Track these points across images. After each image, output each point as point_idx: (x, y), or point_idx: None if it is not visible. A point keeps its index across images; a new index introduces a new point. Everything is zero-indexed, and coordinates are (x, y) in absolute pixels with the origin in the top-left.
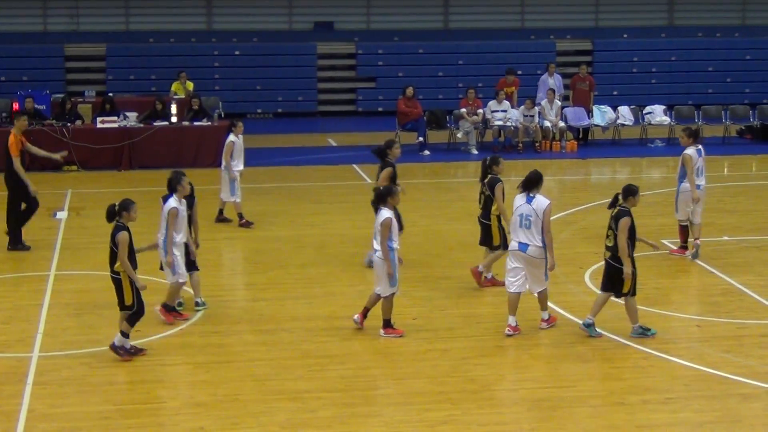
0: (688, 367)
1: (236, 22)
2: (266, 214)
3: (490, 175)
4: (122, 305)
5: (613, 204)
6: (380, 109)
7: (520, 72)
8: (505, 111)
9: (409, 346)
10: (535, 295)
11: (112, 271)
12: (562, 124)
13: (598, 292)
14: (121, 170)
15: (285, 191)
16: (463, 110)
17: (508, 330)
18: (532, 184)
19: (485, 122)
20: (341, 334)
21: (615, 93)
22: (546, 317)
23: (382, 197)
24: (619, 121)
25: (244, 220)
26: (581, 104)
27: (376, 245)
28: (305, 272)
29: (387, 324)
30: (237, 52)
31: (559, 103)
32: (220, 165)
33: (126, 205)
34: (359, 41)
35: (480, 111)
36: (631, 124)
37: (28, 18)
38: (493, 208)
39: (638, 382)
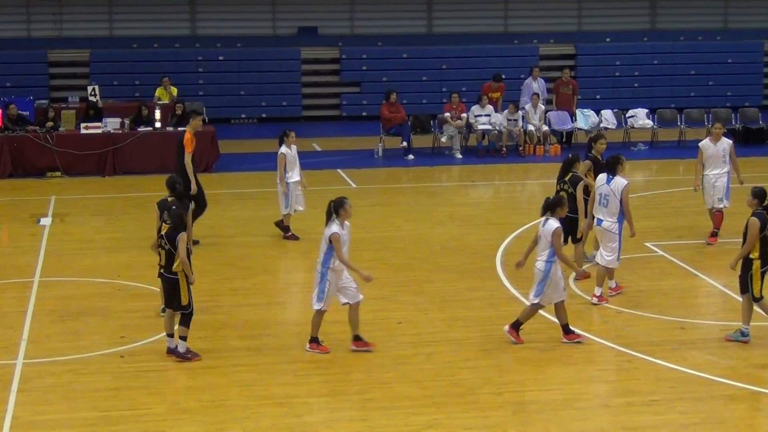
0: (673, 369)
1: (220, 27)
2: (251, 219)
3: (572, 173)
4: (178, 305)
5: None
6: (364, 113)
7: (503, 76)
8: (488, 115)
9: (394, 350)
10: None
11: (169, 272)
12: (545, 127)
13: (584, 296)
14: (105, 176)
15: (270, 196)
16: (447, 114)
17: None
18: (610, 167)
19: (469, 126)
20: (326, 338)
21: (598, 97)
22: (597, 293)
23: (553, 206)
24: (602, 125)
25: (290, 233)
26: (565, 108)
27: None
28: (290, 277)
29: (516, 325)
30: (221, 58)
31: (543, 107)
32: (210, 170)
33: (186, 208)
34: (343, 46)
35: (464, 115)
36: (614, 127)
37: (11, 24)
38: (579, 204)
39: (623, 385)
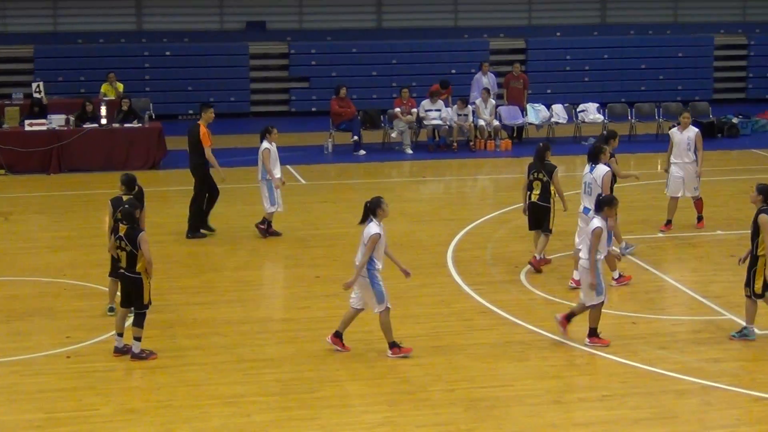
0: (624, 364)
1: (166, 22)
2: None
3: (546, 162)
4: (140, 305)
5: None
6: (314, 109)
7: (453, 71)
8: (439, 110)
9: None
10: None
11: (131, 272)
12: (496, 122)
13: (536, 292)
14: (50, 174)
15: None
16: (398, 110)
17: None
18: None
19: (419, 121)
20: (277, 337)
21: (549, 91)
22: (615, 275)
23: (601, 205)
24: (553, 120)
25: (272, 229)
26: (515, 103)
27: (583, 254)
28: (239, 275)
29: (593, 333)
30: (167, 53)
31: (493, 102)
32: (156, 167)
33: (137, 207)
34: (292, 41)
35: (414, 110)
36: (565, 122)
37: None
38: (552, 192)
39: (575, 380)
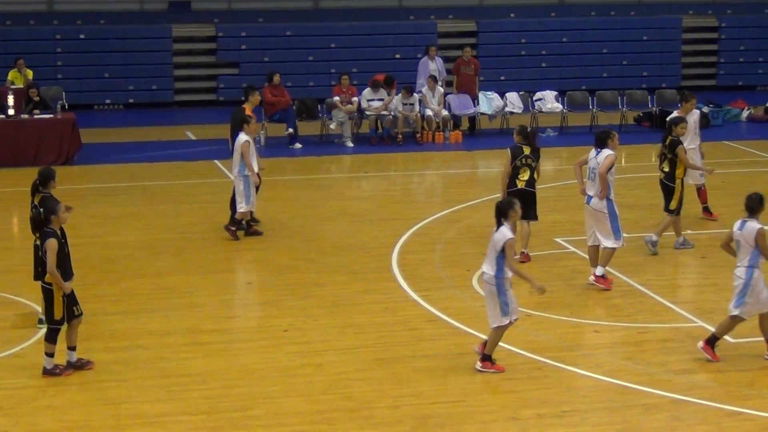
0: (586, 376)
1: (81, 2)
2: (117, 217)
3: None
4: (50, 318)
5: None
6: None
7: (398, 56)
8: (382, 99)
9: (280, 361)
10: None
11: (44, 281)
12: (445, 112)
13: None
14: None
15: (138, 191)
16: (337, 98)
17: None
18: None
19: (361, 112)
20: (204, 349)
21: (502, 78)
22: (599, 273)
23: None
24: (507, 109)
25: (253, 228)
26: (466, 91)
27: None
28: (162, 282)
29: (712, 341)
30: (82, 36)
31: (441, 90)
32: (69, 162)
33: (53, 208)
34: (219, 23)
35: (355, 99)
36: (520, 111)
37: None
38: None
39: (532, 395)
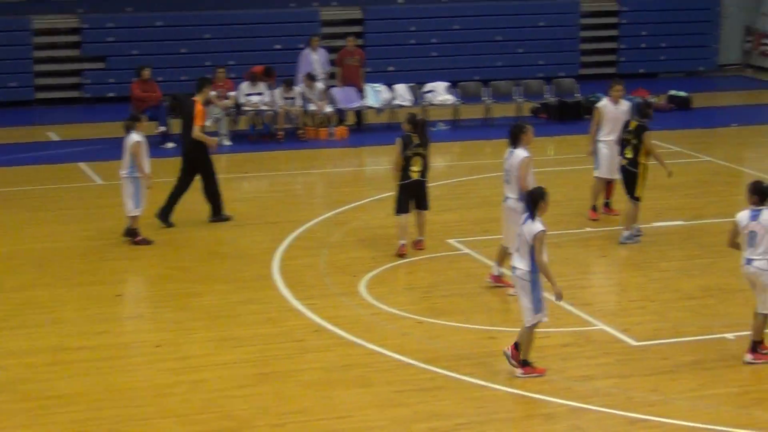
0: (482, 386)
1: None
2: None
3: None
4: None
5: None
6: (111, 94)
7: (278, 46)
8: (261, 94)
9: (153, 379)
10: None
11: None
12: (329, 107)
13: (379, 305)
14: None
15: None
16: (213, 93)
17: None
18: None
19: (238, 107)
20: (70, 369)
21: (390, 69)
22: (497, 273)
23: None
24: (395, 102)
25: (140, 237)
26: (351, 83)
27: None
28: (23, 296)
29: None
30: None
31: (321, 86)
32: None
33: None
34: (84, 13)
35: (231, 94)
36: (409, 104)
37: None
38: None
39: (425, 407)
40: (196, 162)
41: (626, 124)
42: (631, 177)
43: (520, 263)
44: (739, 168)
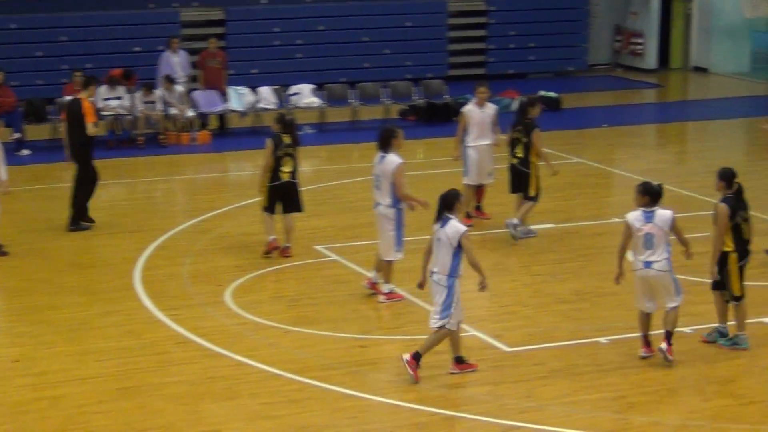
0: (353, 396)
1: None
2: None
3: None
4: None
5: None
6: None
7: (137, 48)
8: (120, 98)
9: (9, 396)
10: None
11: None
12: (191, 111)
13: (245, 315)
14: None
15: None
16: (69, 98)
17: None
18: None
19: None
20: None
21: (254, 71)
22: (386, 290)
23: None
24: (259, 105)
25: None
26: (213, 86)
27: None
28: None
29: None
30: None
31: (181, 88)
32: None
33: None
34: None
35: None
36: (274, 107)
37: None
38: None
39: (294, 420)
40: (82, 163)
41: (515, 123)
42: (523, 177)
43: (437, 266)
44: (609, 169)
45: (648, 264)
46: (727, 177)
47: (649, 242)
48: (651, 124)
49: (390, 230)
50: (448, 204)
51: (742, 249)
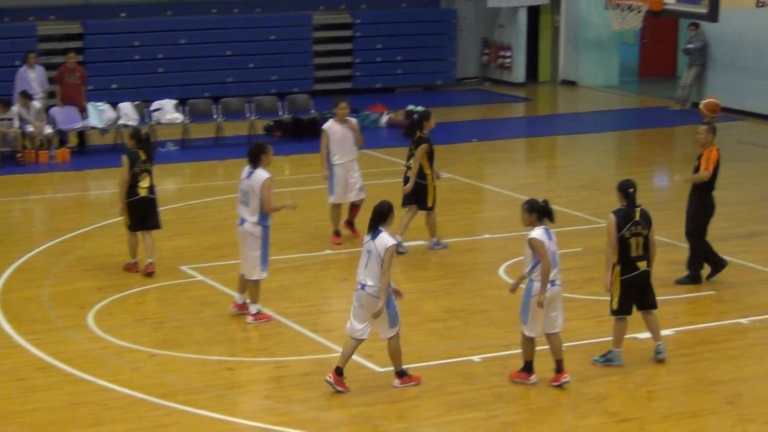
0: (221, 420)
1: None
2: None
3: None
4: None
5: None
6: None
7: None
8: None
9: None
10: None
11: None
12: (48, 128)
13: (108, 338)
14: None
15: None
16: None
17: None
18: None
19: None
20: None
21: (114, 86)
22: (253, 311)
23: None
24: (120, 122)
25: None
26: (72, 102)
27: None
28: None
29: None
30: None
31: (38, 105)
32: None
33: None
34: None
35: None
36: (136, 123)
37: None
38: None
39: None
40: None
41: (407, 134)
42: (421, 189)
43: (371, 280)
44: (480, 185)
45: (553, 282)
46: (620, 189)
47: (554, 261)
48: (520, 138)
49: (256, 249)
50: (382, 216)
51: (626, 264)
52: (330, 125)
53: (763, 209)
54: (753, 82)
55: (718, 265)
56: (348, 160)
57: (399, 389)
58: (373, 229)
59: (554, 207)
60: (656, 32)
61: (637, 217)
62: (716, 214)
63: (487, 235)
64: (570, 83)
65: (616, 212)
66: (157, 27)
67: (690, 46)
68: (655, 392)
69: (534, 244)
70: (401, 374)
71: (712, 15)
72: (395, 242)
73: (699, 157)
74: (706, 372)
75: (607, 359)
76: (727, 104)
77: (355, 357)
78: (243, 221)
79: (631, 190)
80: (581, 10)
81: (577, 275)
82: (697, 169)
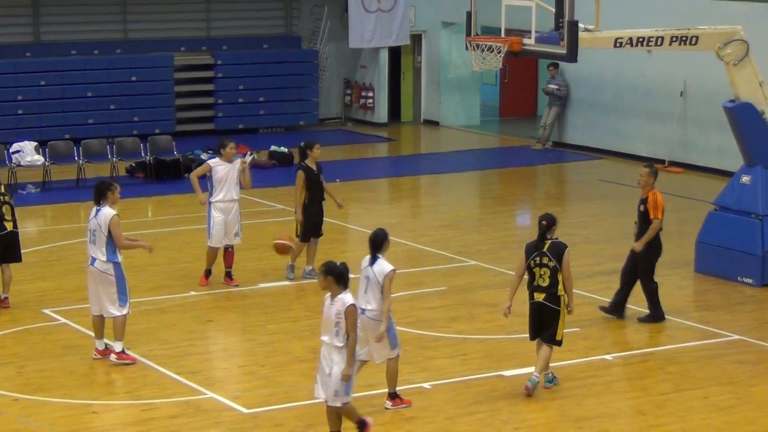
0: None
1: None
2: None
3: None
4: None
5: None
6: None
7: None
8: None
9: None
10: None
11: None
12: None
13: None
14: None
15: None
16: None
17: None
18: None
19: None
20: None
21: None
22: (118, 349)
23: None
24: None
25: None
26: None
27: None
28: None
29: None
30: None
31: None
32: None
33: None
34: None
35: None
36: None
37: None
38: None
39: None
40: None
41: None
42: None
43: (371, 305)
44: (344, 224)
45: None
46: (539, 221)
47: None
48: (384, 178)
49: (111, 285)
50: (377, 245)
51: (530, 291)
52: (216, 161)
53: (625, 246)
54: (612, 122)
55: (618, 309)
56: (229, 200)
57: (391, 410)
58: (372, 257)
59: (419, 246)
60: (516, 72)
61: (545, 248)
62: (578, 252)
63: (351, 276)
64: (432, 123)
65: (530, 242)
66: (16, 68)
67: (550, 86)
68: (521, 429)
69: (348, 313)
70: (393, 396)
71: (571, 55)
72: (393, 268)
73: (643, 201)
74: (572, 408)
75: (548, 381)
76: (587, 143)
77: (219, 398)
78: (93, 260)
79: (543, 222)
80: (442, 51)
81: (442, 314)
82: (642, 213)
